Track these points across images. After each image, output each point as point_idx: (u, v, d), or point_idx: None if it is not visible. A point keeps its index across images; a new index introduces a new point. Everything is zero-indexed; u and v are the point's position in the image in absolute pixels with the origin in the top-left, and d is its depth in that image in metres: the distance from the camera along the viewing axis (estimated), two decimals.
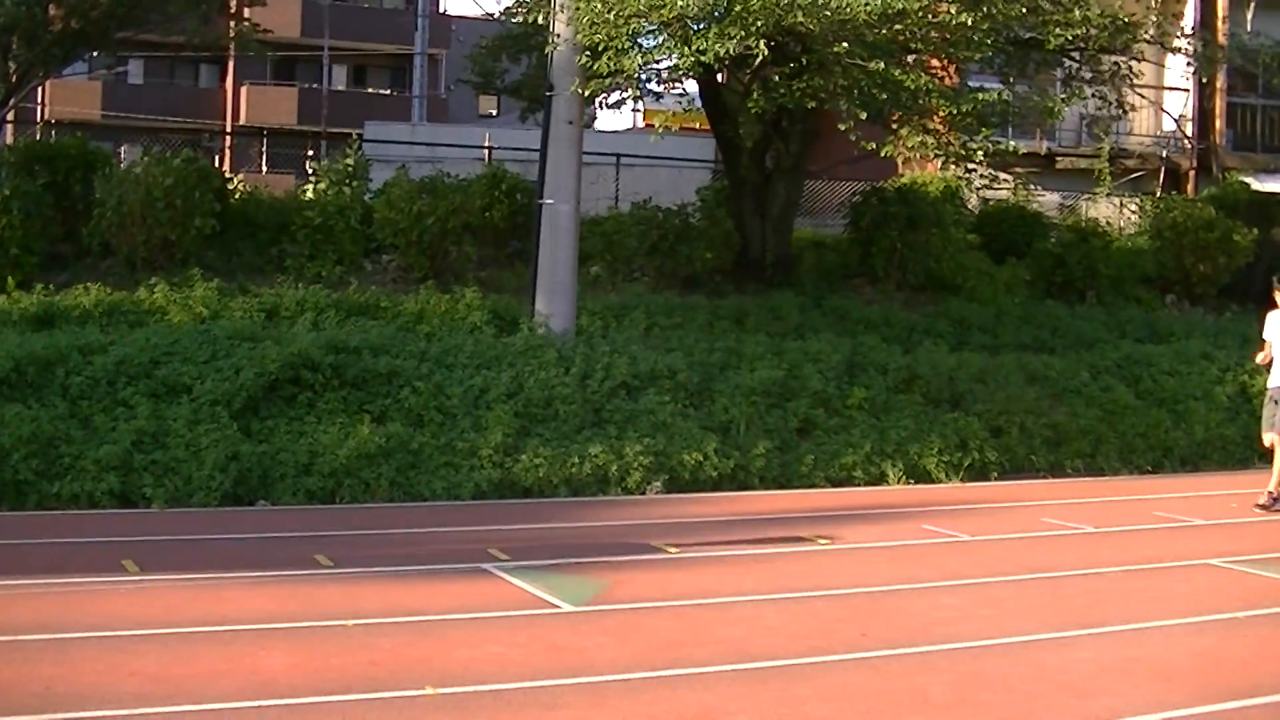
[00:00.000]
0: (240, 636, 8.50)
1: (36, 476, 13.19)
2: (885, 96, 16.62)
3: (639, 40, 16.77)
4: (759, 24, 15.31)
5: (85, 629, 8.49)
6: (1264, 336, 14.80)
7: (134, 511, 13.11)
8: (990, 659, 8.55)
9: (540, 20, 18.42)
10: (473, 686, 7.56)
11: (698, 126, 28.45)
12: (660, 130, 17.77)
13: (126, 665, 7.74)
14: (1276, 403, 14.42)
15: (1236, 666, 8.54)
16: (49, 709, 6.93)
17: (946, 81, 18.48)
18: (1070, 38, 18.23)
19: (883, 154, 17.73)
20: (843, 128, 16.79)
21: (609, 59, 16.14)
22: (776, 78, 17.11)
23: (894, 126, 18.03)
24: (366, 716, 7.10)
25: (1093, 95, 20.74)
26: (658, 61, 17.14)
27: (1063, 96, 19.95)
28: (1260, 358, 14.86)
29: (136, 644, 8.20)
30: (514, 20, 23.56)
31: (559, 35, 17.12)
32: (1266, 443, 14.61)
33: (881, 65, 15.99)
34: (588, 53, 16.54)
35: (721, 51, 15.51)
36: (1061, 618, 9.71)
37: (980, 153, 18.06)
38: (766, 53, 15.44)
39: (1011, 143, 21.69)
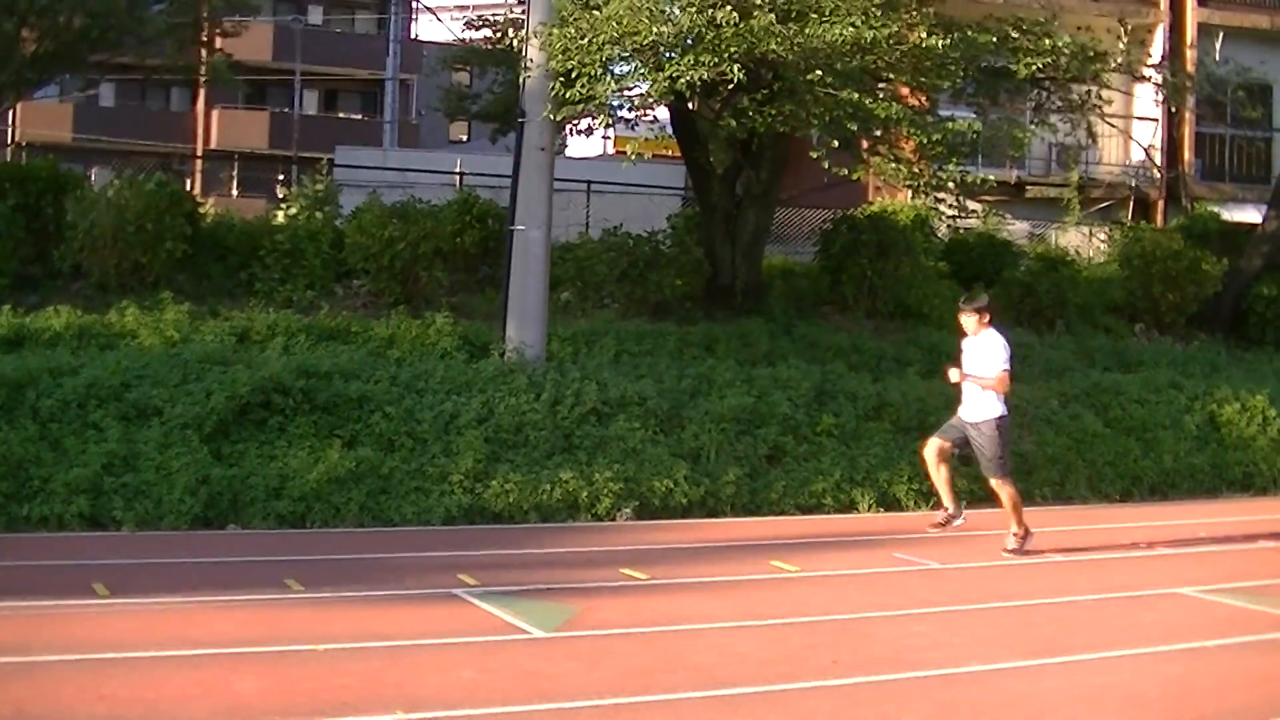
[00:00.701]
0: (210, 660, 8.47)
1: (6, 499, 13.14)
2: (856, 126, 16.70)
3: (611, 67, 16.81)
4: (732, 51, 15.39)
5: (55, 652, 8.46)
6: (963, 367, 13.83)
7: (104, 534, 13.05)
8: (960, 687, 8.57)
9: (513, 46, 18.44)
10: (443, 711, 7.56)
11: (669, 154, 28.57)
12: (632, 157, 17.83)
13: (97, 688, 7.71)
14: (951, 426, 14.01)
15: (1205, 694, 8.58)
16: None
17: (916, 105, 18.54)
18: (1040, 66, 18.34)
19: (854, 177, 17.81)
20: (814, 155, 16.88)
21: (582, 86, 16.16)
22: (747, 102, 17.17)
23: (864, 155, 18.12)
24: None
25: (1062, 124, 20.86)
26: (630, 88, 17.18)
27: (1032, 126, 20.07)
28: (954, 375, 13.86)
29: (107, 667, 8.18)
30: (482, 31, 23.53)
31: (532, 61, 17.15)
32: (927, 451, 14.24)
33: (854, 96, 16.06)
34: (560, 79, 16.58)
35: (694, 77, 15.55)
36: (1031, 646, 9.74)
37: (950, 181, 18.18)
38: (741, 77, 15.50)
39: (982, 174, 21.74)
